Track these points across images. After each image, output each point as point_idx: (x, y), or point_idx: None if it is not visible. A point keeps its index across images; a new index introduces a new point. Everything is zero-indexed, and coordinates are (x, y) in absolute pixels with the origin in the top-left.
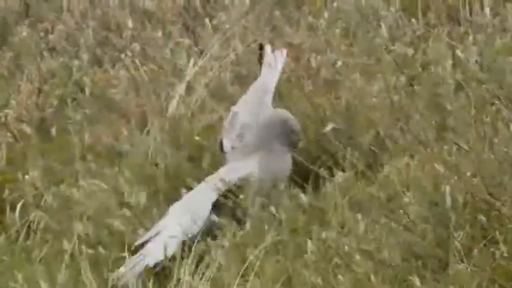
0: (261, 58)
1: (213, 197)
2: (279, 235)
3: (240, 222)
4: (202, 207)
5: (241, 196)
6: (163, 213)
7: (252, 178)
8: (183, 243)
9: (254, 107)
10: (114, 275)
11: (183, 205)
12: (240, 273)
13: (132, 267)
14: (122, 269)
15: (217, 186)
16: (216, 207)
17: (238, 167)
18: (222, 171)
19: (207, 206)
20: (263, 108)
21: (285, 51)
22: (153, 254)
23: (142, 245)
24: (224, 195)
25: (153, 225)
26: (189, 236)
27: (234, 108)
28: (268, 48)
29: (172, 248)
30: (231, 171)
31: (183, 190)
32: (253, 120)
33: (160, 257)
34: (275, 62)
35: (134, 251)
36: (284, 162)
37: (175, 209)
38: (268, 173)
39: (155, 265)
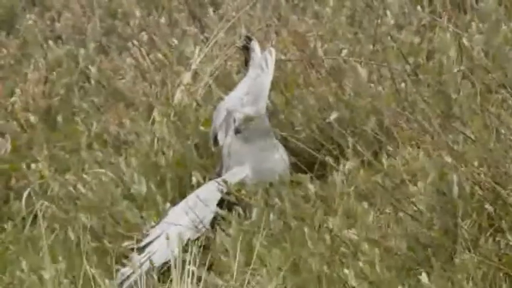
0: (247, 50)
1: (217, 195)
2: (285, 223)
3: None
4: (209, 202)
5: (243, 191)
6: (169, 202)
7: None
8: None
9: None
10: (121, 273)
11: (187, 204)
12: (245, 260)
13: (139, 266)
14: (128, 267)
15: (220, 186)
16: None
17: (233, 173)
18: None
19: (213, 202)
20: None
21: (274, 52)
22: (160, 252)
23: (147, 245)
24: (226, 193)
25: (158, 219)
26: (200, 231)
27: (226, 105)
28: (256, 45)
29: (179, 246)
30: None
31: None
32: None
33: (167, 257)
34: (266, 64)
35: (140, 250)
36: (275, 157)
37: (177, 209)
38: (262, 174)
39: (162, 264)
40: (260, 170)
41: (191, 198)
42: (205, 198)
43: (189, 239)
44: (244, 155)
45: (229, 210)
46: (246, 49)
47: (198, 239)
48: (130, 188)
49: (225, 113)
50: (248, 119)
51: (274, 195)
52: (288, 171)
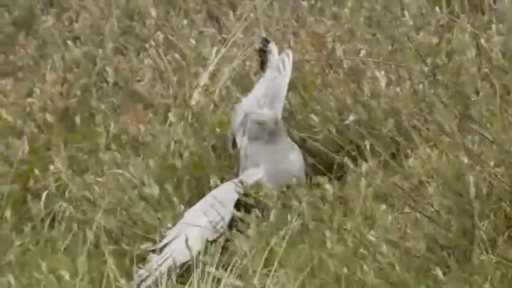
0: (264, 53)
1: (234, 196)
2: (303, 225)
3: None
4: (226, 203)
5: (261, 193)
6: (186, 204)
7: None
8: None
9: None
10: (139, 275)
11: (204, 205)
12: (264, 262)
13: (158, 266)
14: (147, 268)
15: (237, 186)
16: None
17: (249, 174)
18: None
19: (231, 203)
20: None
21: (291, 54)
22: (178, 253)
23: (164, 246)
24: (244, 195)
25: (175, 220)
26: (219, 231)
27: (243, 107)
28: (274, 47)
29: (198, 247)
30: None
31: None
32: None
33: (187, 257)
34: (283, 67)
35: (158, 251)
36: (291, 159)
37: (193, 210)
38: (278, 176)
39: (182, 265)
40: (276, 171)
41: (208, 199)
42: (222, 199)
43: (207, 240)
44: (260, 157)
45: (247, 211)
46: (263, 52)
47: (216, 240)
48: (147, 190)
49: (242, 115)
50: (269, 120)
51: (292, 197)
52: (304, 172)
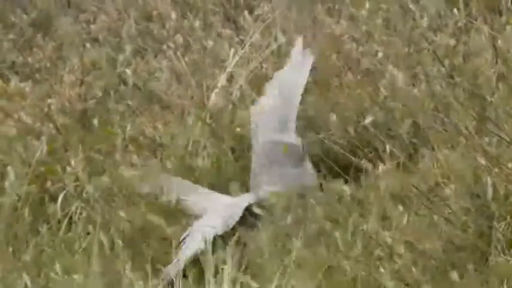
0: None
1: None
2: (320, 226)
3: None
4: (235, 210)
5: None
6: None
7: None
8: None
9: (281, 113)
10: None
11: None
12: (281, 262)
13: (176, 261)
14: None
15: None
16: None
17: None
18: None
19: (239, 210)
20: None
21: (312, 56)
22: (194, 242)
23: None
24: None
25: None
26: (226, 228)
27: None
28: (299, 42)
29: (210, 239)
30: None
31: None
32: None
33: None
34: (302, 64)
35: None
36: (301, 176)
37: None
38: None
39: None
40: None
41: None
42: (232, 202)
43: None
44: (275, 181)
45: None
46: None
47: (230, 239)
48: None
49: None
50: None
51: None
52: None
